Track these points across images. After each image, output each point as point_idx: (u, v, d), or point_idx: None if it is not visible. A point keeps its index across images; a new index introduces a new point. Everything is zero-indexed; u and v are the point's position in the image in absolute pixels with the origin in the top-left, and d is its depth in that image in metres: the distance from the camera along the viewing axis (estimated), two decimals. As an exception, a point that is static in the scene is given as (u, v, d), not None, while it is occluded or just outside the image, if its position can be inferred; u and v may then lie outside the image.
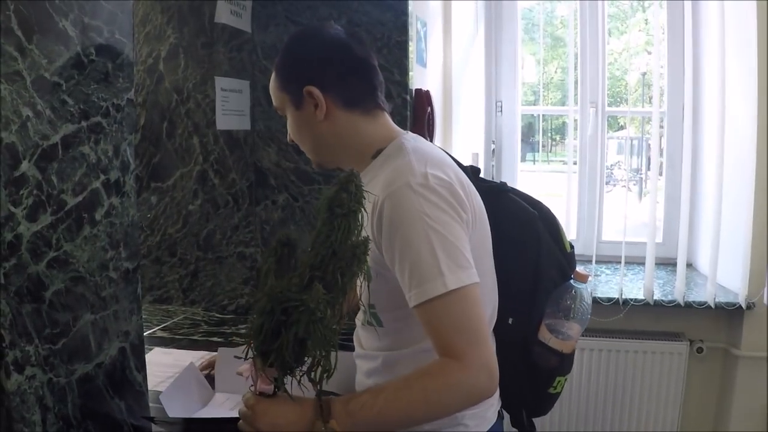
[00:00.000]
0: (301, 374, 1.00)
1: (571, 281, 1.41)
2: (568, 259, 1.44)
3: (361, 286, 1.07)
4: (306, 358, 0.99)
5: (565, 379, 1.42)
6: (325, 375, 1.00)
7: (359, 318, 1.33)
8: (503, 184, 1.44)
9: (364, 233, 1.02)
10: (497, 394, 1.29)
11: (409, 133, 1.29)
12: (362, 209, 1.01)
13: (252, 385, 1.06)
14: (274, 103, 1.31)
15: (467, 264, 1.09)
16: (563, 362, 1.38)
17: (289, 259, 1.08)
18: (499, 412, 1.35)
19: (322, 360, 0.99)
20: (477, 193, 1.23)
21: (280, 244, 1.08)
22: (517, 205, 1.41)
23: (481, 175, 1.42)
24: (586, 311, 1.39)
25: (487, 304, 1.24)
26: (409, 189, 1.09)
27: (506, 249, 1.32)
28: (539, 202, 1.46)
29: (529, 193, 1.48)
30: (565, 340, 1.36)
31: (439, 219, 1.09)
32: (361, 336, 1.33)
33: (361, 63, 1.26)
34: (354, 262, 1.01)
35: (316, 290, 0.97)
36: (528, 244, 1.37)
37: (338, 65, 1.24)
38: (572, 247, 1.47)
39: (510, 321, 1.34)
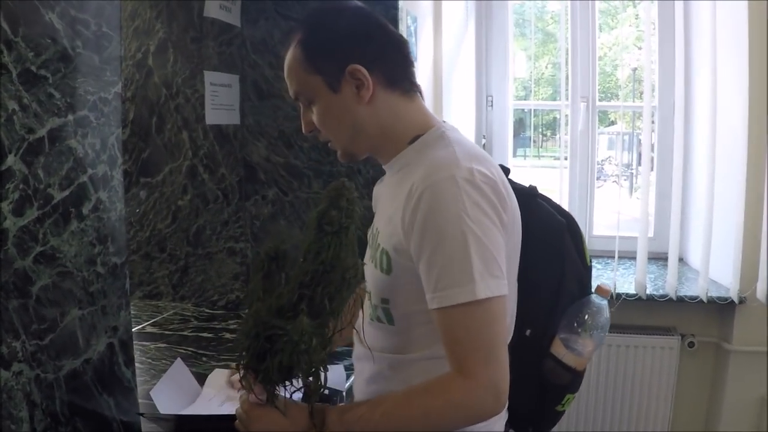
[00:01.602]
0: (292, 391, 1.00)
1: (592, 295, 1.32)
2: (587, 273, 1.38)
3: (361, 299, 1.04)
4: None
5: (573, 397, 1.35)
6: (315, 394, 0.99)
7: (366, 312, 1.20)
8: (533, 188, 1.35)
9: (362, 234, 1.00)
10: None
11: (448, 122, 1.21)
12: (354, 225, 0.98)
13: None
14: (294, 89, 1.17)
15: (500, 274, 1.02)
16: (575, 379, 1.31)
17: (279, 272, 1.05)
18: (507, 423, 1.26)
19: (310, 383, 0.99)
20: (513, 194, 1.14)
21: (267, 258, 1.05)
22: (546, 211, 1.33)
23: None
24: (604, 327, 1.31)
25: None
26: (453, 183, 1.01)
27: (531, 257, 1.23)
28: (566, 212, 1.39)
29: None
30: (579, 356, 1.29)
31: (479, 221, 1.01)
32: (367, 333, 1.19)
33: (396, 36, 1.18)
34: (344, 287, 0.98)
35: (300, 321, 0.94)
36: (554, 254, 1.30)
37: (379, 40, 1.15)
38: (591, 261, 1.40)
39: (528, 333, 1.27)
